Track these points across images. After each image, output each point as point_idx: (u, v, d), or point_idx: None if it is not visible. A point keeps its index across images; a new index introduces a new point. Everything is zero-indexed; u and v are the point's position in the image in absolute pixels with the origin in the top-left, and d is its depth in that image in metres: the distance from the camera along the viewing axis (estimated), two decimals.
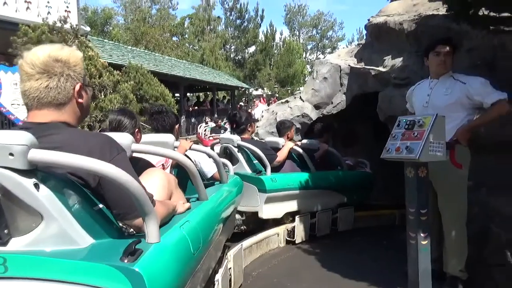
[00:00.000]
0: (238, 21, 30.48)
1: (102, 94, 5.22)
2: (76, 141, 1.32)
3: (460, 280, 2.99)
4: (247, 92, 30.71)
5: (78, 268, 1.12)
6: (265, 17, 31.77)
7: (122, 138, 1.79)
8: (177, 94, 14.53)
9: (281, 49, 35.06)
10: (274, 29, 34.20)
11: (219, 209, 2.52)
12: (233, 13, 30.27)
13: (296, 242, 4.53)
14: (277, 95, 19.31)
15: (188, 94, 19.02)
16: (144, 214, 1.28)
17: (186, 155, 2.62)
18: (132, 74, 9.17)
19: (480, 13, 3.92)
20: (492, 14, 4.05)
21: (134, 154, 2.00)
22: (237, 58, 31.34)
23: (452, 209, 2.97)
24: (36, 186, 1.10)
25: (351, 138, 7.67)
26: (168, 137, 2.68)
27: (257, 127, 7.34)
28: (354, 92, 6.61)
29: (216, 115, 17.49)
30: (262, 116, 7.62)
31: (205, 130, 12.29)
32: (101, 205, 1.35)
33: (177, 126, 3.28)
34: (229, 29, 30.46)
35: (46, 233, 1.15)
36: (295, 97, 7.52)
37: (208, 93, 20.42)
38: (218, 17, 30.18)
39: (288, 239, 4.56)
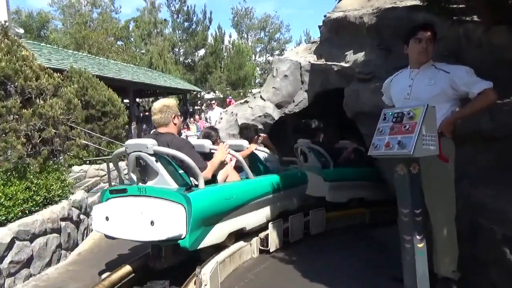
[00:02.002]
0: (186, 24, 29.76)
1: (40, 99, 4.58)
2: (175, 142, 3.34)
3: (453, 281, 2.80)
4: (198, 95, 30.07)
5: (169, 193, 3.12)
6: (213, 20, 31.27)
7: (204, 142, 3.96)
8: (126, 100, 13.70)
9: (230, 52, 34.77)
10: (223, 31, 33.84)
11: (254, 185, 4.06)
12: (180, 15, 29.50)
13: (271, 250, 4.19)
14: (230, 97, 19.01)
15: (137, 99, 18.12)
16: (196, 175, 3.25)
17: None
18: (75, 78, 8.41)
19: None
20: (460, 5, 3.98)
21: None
22: (187, 61, 30.56)
23: (443, 206, 2.77)
24: (156, 161, 3.15)
25: (315, 135, 7.49)
26: (205, 142, 3.99)
27: None
28: (316, 89, 6.43)
29: None
30: (221, 118, 7.23)
31: None
32: (181, 171, 3.31)
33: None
34: (177, 32, 29.65)
35: (159, 180, 3.21)
36: (254, 97, 7.22)
37: (159, 97, 19.61)
38: (165, 19, 29.31)
39: (262, 248, 4.21)
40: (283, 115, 6.77)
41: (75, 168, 7.90)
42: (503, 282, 2.63)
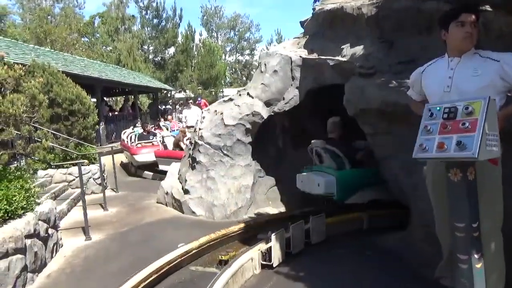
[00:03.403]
0: (155, 21, 28.70)
1: None
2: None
3: None
4: (169, 94, 29.11)
5: (328, 170, 5.29)
6: (183, 17, 30.42)
7: None
8: (93, 100, 12.78)
9: (201, 50, 34.04)
10: (193, 29, 33.01)
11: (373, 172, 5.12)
12: (149, 12, 28.41)
13: (274, 265, 3.71)
14: (200, 98, 18.29)
15: (105, 98, 17.10)
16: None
17: None
18: (38, 73, 7.57)
19: None
20: None
21: None
22: (156, 59, 29.48)
23: (491, 215, 2.39)
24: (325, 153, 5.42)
25: (302, 136, 7.07)
26: None
27: (200, 129, 6.39)
28: (308, 85, 6.00)
29: (139, 120, 15.95)
30: (203, 118, 6.67)
31: (130, 137, 10.89)
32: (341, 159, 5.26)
33: None
34: (146, 29, 28.56)
35: (327, 163, 5.37)
36: (240, 94, 6.69)
37: (128, 96, 18.67)
38: (133, 16, 28.11)
39: (264, 263, 3.73)
40: (272, 113, 6.30)
41: (40, 172, 7.10)
42: None
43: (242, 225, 4.97)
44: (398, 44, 4.72)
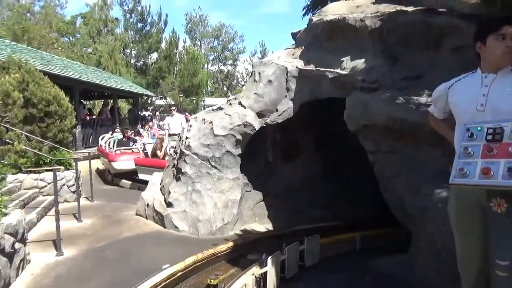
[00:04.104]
0: (140, 25, 28.13)
1: None
2: None
3: None
4: (149, 101, 28.49)
5: None
6: (168, 22, 29.92)
7: None
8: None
9: (184, 58, 33.70)
10: (177, 36, 32.64)
11: None
12: (133, 15, 27.85)
13: None
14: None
15: (83, 101, 16.41)
16: None
17: None
18: (14, 70, 7.03)
19: None
20: None
21: None
22: (138, 64, 28.85)
23: None
24: None
25: (293, 150, 6.81)
26: None
27: (186, 138, 6.02)
28: (304, 98, 5.75)
29: (118, 125, 15.35)
30: (190, 126, 6.31)
31: (109, 143, 10.35)
32: None
33: None
34: (130, 32, 27.92)
35: None
36: (230, 103, 6.38)
37: (107, 100, 18.01)
38: (116, 18, 27.47)
39: None
40: (264, 125, 6.00)
41: (8, 177, 6.53)
42: None
43: (230, 243, 4.61)
44: (403, 59, 4.54)
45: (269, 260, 3.43)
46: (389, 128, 3.92)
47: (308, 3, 14.76)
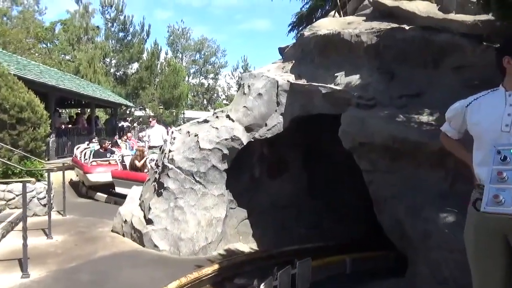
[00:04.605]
0: (121, 34, 27.71)
1: None
2: None
3: None
4: (128, 111, 27.88)
5: None
6: (150, 33, 29.63)
7: None
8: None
9: (165, 69, 33.42)
10: (159, 47, 32.34)
11: None
12: (115, 24, 27.40)
13: None
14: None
15: (58, 109, 15.78)
16: None
17: None
18: None
19: None
20: None
21: None
22: (118, 73, 28.28)
23: None
24: None
25: (281, 165, 6.57)
26: None
27: (170, 151, 5.70)
28: (295, 113, 5.56)
29: (95, 135, 14.80)
30: (174, 138, 6.00)
31: (84, 154, 9.86)
32: None
33: None
34: (111, 41, 27.41)
35: None
36: (217, 116, 6.13)
37: (84, 109, 17.41)
38: (97, 26, 26.98)
39: None
40: (252, 139, 5.76)
41: None
42: None
43: (216, 266, 4.29)
44: (400, 76, 4.42)
45: (262, 287, 3.14)
46: (388, 147, 3.74)
47: (294, 19, 14.89)
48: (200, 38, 45.42)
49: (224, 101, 42.99)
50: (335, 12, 7.54)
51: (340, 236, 6.20)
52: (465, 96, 3.16)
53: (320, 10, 12.83)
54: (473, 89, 3.76)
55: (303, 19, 13.66)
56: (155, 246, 5.11)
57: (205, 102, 48.42)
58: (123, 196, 6.86)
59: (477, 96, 2.35)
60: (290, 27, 15.10)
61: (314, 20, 11.93)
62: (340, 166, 6.56)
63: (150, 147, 10.27)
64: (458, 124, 2.40)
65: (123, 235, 5.61)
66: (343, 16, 7.04)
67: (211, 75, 47.54)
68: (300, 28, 15.16)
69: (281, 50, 7.39)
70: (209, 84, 47.72)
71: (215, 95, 48.65)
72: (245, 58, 45.90)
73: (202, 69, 46.91)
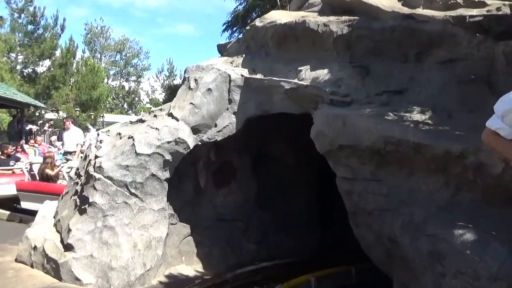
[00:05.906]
0: (30, 27, 24.65)
1: None
2: None
3: None
4: (38, 113, 24.90)
5: None
6: (66, 28, 26.84)
7: None
8: None
9: (82, 69, 30.77)
10: (76, 45, 29.57)
11: None
12: (23, 16, 24.29)
13: None
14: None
15: None
16: None
17: None
18: None
19: None
20: None
21: None
22: (26, 71, 25.10)
23: None
24: None
25: (227, 173, 5.76)
26: None
27: (96, 157, 4.60)
28: (250, 112, 4.83)
29: None
30: (100, 141, 4.90)
31: None
32: None
33: None
34: (17, 34, 24.22)
35: None
36: (155, 115, 5.16)
37: None
38: (1, 17, 23.64)
39: None
40: (199, 142, 4.89)
41: None
42: None
43: None
44: (377, 71, 3.90)
45: None
46: (377, 150, 3.16)
47: (229, 19, 14.27)
48: (121, 38, 42.85)
49: (148, 105, 40.99)
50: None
51: (291, 251, 5.65)
52: (457, 93, 2.65)
53: (257, 9, 12.39)
54: (465, 85, 3.32)
55: (239, 19, 13.13)
56: (77, 279, 3.99)
57: (125, 106, 45.85)
58: (32, 213, 5.59)
59: None
60: (224, 26, 14.50)
61: (249, 21, 11.45)
62: (290, 172, 6.02)
63: (65, 153, 8.80)
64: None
65: (32, 266, 4.35)
66: None
67: (133, 78, 45.18)
68: (234, 29, 14.64)
69: (221, 47, 6.66)
70: (130, 87, 45.30)
71: (137, 98, 46.32)
72: (171, 61, 44.18)
73: (123, 71, 44.35)
